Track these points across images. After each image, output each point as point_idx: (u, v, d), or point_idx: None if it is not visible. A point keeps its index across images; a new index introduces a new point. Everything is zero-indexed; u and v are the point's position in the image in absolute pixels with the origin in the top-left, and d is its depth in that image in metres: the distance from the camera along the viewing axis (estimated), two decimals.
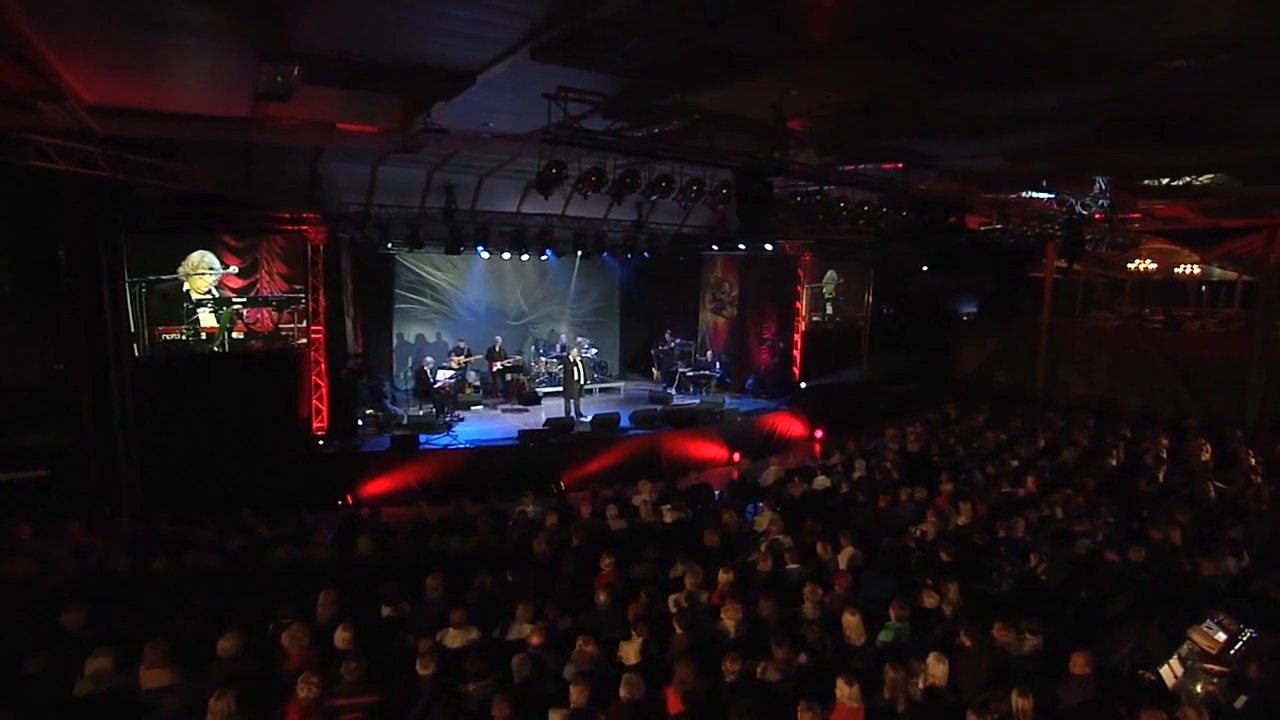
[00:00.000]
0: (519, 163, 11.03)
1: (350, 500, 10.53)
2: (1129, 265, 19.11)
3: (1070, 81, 5.28)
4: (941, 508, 8.94)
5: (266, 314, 10.37)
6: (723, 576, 6.41)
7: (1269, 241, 14.59)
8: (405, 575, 6.79)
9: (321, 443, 10.78)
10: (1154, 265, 19.57)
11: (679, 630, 5.52)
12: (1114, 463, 11.43)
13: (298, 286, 10.56)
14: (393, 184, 12.30)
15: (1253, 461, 11.25)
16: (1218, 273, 20.75)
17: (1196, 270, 20.72)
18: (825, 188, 7.76)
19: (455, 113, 7.40)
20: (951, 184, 8.06)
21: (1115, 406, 17.96)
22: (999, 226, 8.89)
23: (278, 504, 9.72)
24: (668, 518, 8.52)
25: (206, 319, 10.09)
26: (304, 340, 10.63)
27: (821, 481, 10.14)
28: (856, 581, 7.15)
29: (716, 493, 10.61)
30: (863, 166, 7.35)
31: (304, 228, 10.36)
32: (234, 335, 10.20)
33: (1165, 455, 11.72)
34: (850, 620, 5.55)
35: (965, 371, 21.65)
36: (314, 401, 10.78)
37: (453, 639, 5.55)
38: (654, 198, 7.16)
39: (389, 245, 13.31)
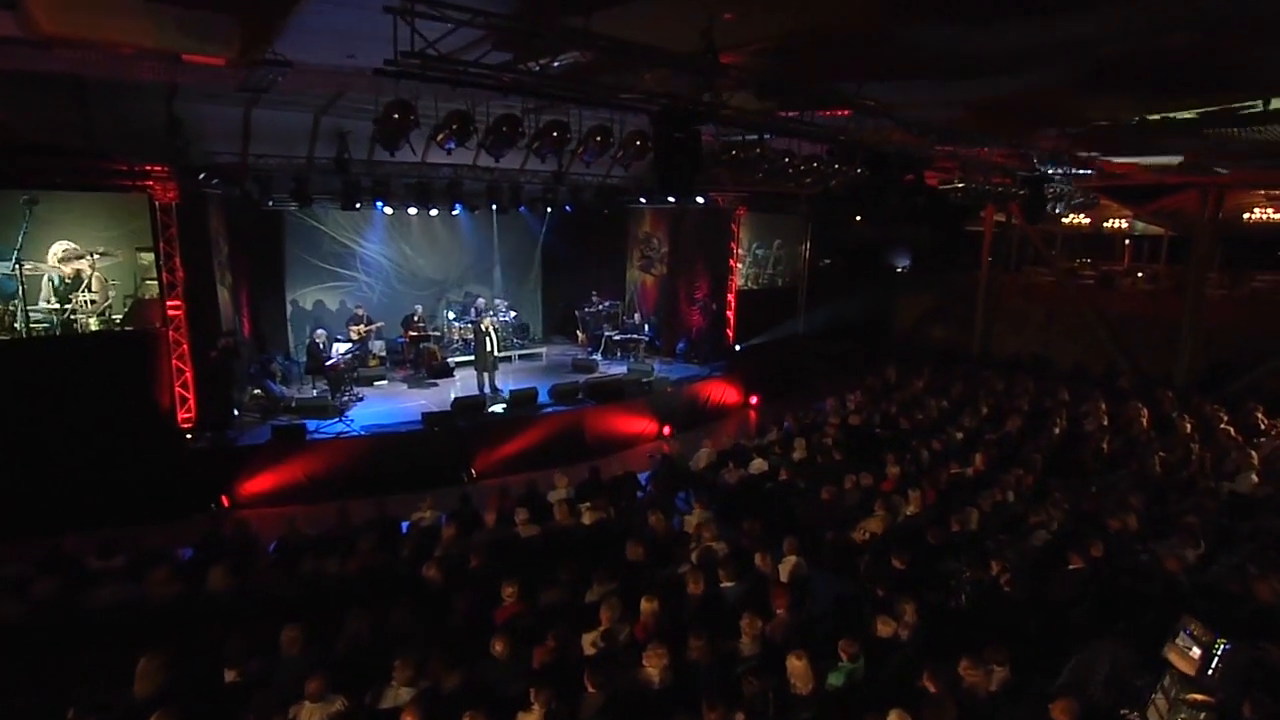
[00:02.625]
0: (419, 105, 9.54)
1: (226, 502, 9.12)
2: (1064, 219, 18.81)
3: (1063, 12, 4.29)
4: (888, 493, 8.27)
5: (106, 289, 8.61)
6: (646, 606, 5.46)
7: (1202, 199, 14.31)
8: (268, 616, 5.63)
9: (189, 437, 9.24)
10: (1087, 220, 19.39)
11: (591, 690, 4.53)
12: (1057, 431, 11.03)
13: (145, 256, 8.78)
14: (273, 130, 10.53)
15: (1188, 427, 11.00)
16: (1141, 226, 20.79)
17: (1124, 224, 20.73)
18: (766, 137, 6.53)
19: (309, 41, 5.95)
20: (906, 135, 7.04)
21: (1049, 363, 17.89)
22: (960, 185, 8.00)
23: (135, 517, 8.31)
24: (587, 519, 7.51)
25: (27, 299, 8.25)
26: (159, 319, 8.92)
27: (758, 465, 9.31)
28: (800, 597, 6.38)
29: (643, 476, 9.68)
30: (808, 114, 6.19)
31: (148, 183, 8.52)
32: (68, 316, 8.41)
33: (1106, 422, 11.40)
34: (796, 665, 4.69)
35: (902, 328, 21.35)
36: (177, 389, 9.17)
37: (309, 715, 4.42)
38: (546, 153, 5.84)
39: (270, 202, 11.59)
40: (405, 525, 7.79)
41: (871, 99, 6.16)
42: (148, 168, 8.46)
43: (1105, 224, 20.74)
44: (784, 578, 6.40)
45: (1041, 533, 7.31)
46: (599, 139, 6.02)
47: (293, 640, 4.92)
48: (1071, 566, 6.23)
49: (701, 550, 6.71)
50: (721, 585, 6.02)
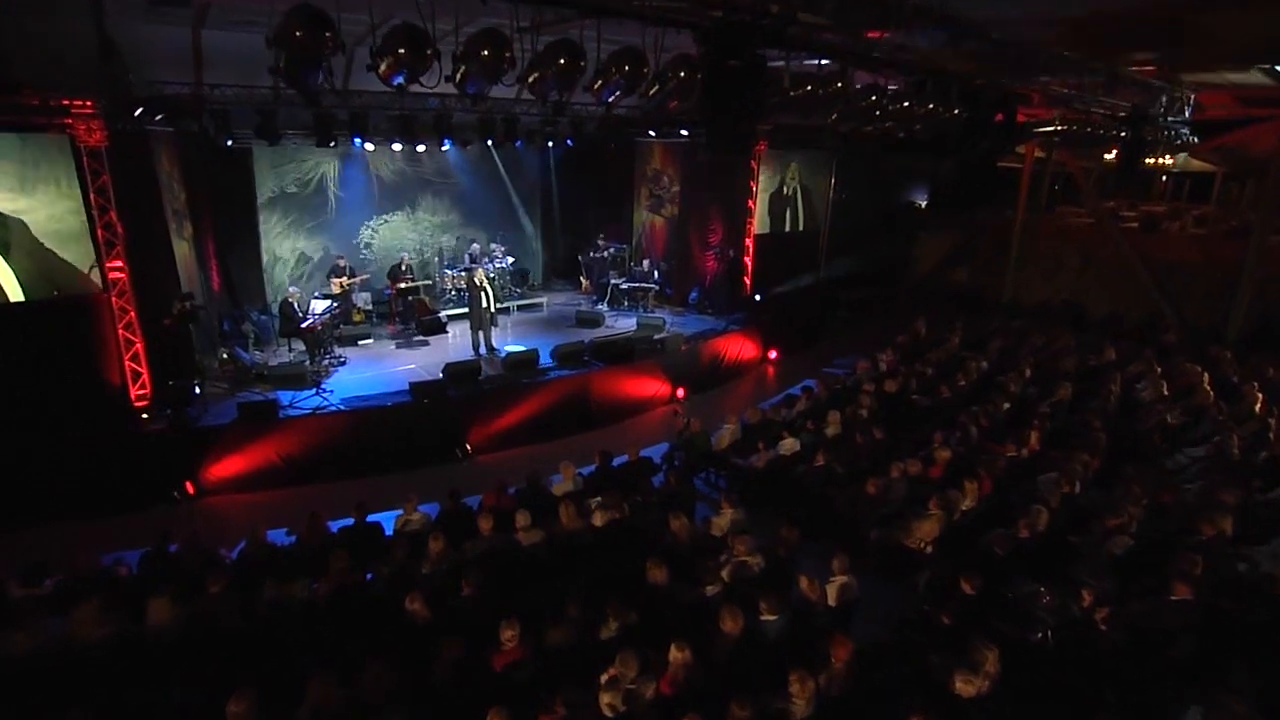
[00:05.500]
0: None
1: (191, 489, 8.12)
2: (1106, 155, 17.23)
3: None
4: (938, 482, 7.30)
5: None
6: (675, 655, 4.49)
7: None
8: (218, 660, 4.69)
9: (145, 417, 8.14)
10: None
11: None
12: (1112, 399, 9.96)
13: (70, 211, 7.42)
14: (230, 55, 9.05)
15: (1259, 396, 9.90)
16: (1182, 162, 19.20)
17: (1167, 161, 19.12)
18: (848, 69, 5.04)
19: None
20: (988, 63, 5.63)
21: (1082, 312, 16.70)
22: (1061, 128, 6.64)
23: (86, 510, 7.33)
24: (597, 519, 6.52)
25: None
26: (97, 285, 7.65)
27: (789, 445, 8.27)
28: (848, 611, 5.47)
29: (658, 452, 8.68)
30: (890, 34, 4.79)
31: (67, 121, 7.14)
32: None
33: (1165, 390, 10.30)
34: None
35: (922, 270, 20.04)
36: (127, 364, 8.03)
37: None
38: (550, 89, 4.44)
39: (231, 140, 10.19)
40: (390, 518, 6.82)
41: (956, 15, 4.79)
42: (65, 102, 7.05)
43: (1146, 159, 19.13)
44: (832, 601, 5.46)
45: (1122, 538, 6.33)
46: (627, 68, 4.36)
47: (240, 714, 3.95)
48: (1175, 598, 5.21)
49: (734, 566, 5.73)
50: (762, 619, 5.05)
